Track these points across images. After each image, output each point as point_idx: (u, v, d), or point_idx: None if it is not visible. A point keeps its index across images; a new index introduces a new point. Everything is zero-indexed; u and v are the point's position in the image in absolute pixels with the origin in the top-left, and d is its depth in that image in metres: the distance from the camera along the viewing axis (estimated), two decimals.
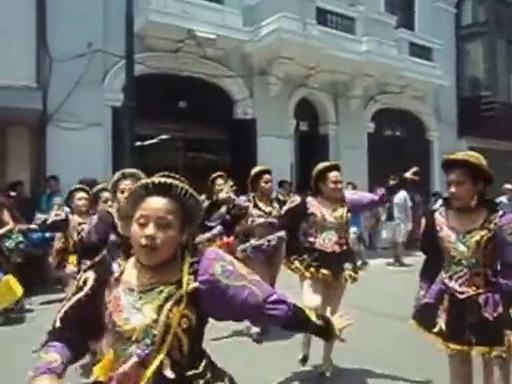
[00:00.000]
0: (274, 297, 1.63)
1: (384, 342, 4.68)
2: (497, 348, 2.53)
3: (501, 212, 2.63)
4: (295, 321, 1.67)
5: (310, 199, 4.05)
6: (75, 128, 8.40)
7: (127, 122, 7.32)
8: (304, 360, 4.02)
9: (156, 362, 1.47)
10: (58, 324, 1.60)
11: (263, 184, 5.05)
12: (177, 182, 1.58)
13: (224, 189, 5.27)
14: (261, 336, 4.88)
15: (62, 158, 8.08)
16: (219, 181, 5.82)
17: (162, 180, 1.57)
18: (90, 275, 1.64)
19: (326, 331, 1.72)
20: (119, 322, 1.53)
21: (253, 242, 5.01)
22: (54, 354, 1.55)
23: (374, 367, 4.01)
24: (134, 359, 1.49)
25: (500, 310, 2.57)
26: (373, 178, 12.87)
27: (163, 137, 9.95)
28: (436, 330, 2.69)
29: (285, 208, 4.29)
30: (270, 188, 5.13)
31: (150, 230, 1.52)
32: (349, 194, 4.20)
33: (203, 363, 1.57)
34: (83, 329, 1.60)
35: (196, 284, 1.55)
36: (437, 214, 2.81)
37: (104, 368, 1.59)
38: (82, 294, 1.61)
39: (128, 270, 1.62)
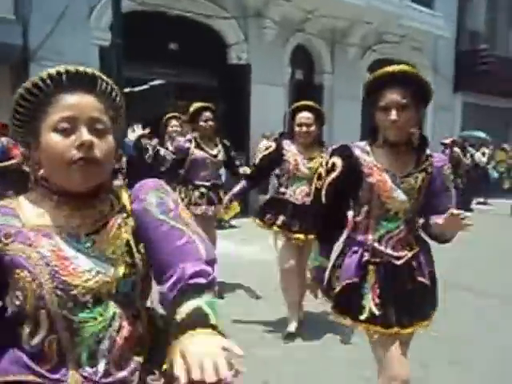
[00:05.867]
0: (214, 267, 1.11)
1: None
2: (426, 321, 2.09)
3: (428, 151, 2.09)
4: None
5: (286, 143, 3.73)
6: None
7: (114, 62, 6.85)
8: (289, 336, 3.71)
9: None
10: None
11: (202, 123, 4.47)
12: (101, 75, 1.16)
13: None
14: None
15: None
16: (173, 122, 5.54)
17: (82, 69, 1.13)
18: None
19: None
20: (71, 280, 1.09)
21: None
22: None
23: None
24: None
25: (430, 268, 2.11)
26: (366, 130, 12.60)
27: (155, 82, 9.43)
28: (364, 316, 2.03)
29: (259, 156, 3.99)
30: (211, 128, 4.50)
31: (86, 134, 1.08)
32: None
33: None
34: None
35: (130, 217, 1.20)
36: (358, 152, 2.07)
37: None
38: None
39: (30, 211, 1.14)
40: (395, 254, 2.04)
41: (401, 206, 2.03)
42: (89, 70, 1.13)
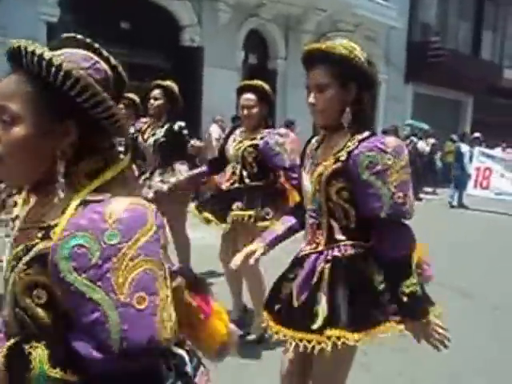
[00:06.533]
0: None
1: None
2: (316, 337, 1.62)
3: (366, 133, 1.70)
4: None
5: (239, 129, 3.49)
6: (5, 43, 7.63)
7: None
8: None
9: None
10: None
11: (148, 104, 4.05)
12: (30, 47, 0.91)
13: None
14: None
15: None
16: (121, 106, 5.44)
17: (16, 44, 0.93)
18: None
19: None
20: None
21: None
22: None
23: None
24: None
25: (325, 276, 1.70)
26: None
27: None
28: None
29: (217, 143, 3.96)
30: (156, 107, 4.03)
31: None
32: (276, 137, 3.22)
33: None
34: None
35: (50, 244, 0.89)
36: (313, 141, 1.92)
37: None
38: None
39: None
40: (302, 246, 1.87)
41: (308, 197, 1.82)
42: (16, 44, 0.93)
